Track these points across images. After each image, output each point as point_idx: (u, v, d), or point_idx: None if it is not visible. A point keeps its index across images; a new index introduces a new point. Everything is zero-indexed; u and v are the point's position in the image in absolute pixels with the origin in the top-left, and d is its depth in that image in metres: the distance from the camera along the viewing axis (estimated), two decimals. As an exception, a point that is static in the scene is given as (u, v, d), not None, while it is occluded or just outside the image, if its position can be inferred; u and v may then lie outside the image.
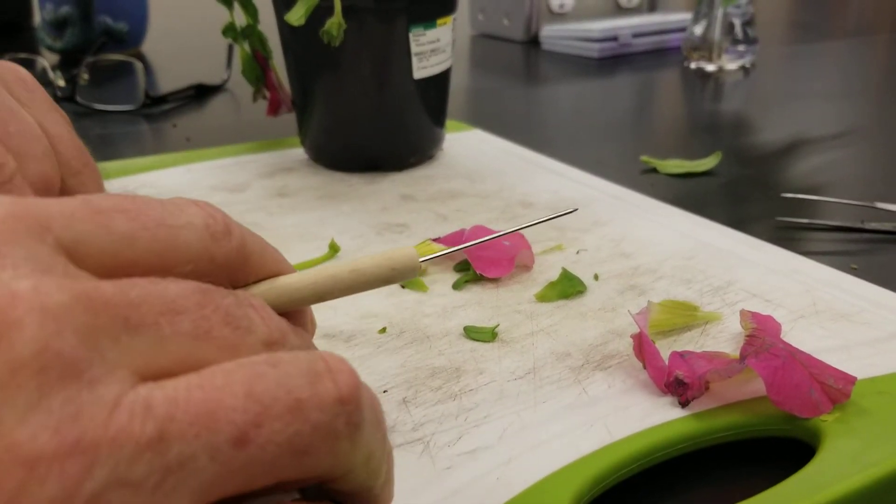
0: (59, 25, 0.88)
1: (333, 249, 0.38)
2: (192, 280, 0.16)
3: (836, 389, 0.26)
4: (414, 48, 0.47)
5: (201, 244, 0.17)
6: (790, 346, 0.27)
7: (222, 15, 0.52)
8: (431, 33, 0.48)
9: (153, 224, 0.16)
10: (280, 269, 0.19)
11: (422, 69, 0.48)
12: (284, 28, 0.48)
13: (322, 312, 0.33)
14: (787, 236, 0.42)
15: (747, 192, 0.50)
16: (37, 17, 0.96)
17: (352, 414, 0.15)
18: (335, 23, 0.43)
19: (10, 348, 0.13)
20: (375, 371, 0.29)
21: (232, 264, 0.18)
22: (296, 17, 0.42)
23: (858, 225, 0.43)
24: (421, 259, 0.20)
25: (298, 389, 0.15)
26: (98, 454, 0.13)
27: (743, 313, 0.31)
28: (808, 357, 0.27)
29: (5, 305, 0.13)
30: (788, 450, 0.25)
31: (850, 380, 0.26)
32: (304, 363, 0.15)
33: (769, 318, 0.30)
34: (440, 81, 0.51)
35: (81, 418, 0.13)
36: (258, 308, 0.17)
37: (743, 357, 0.27)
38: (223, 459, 0.14)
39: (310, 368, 0.15)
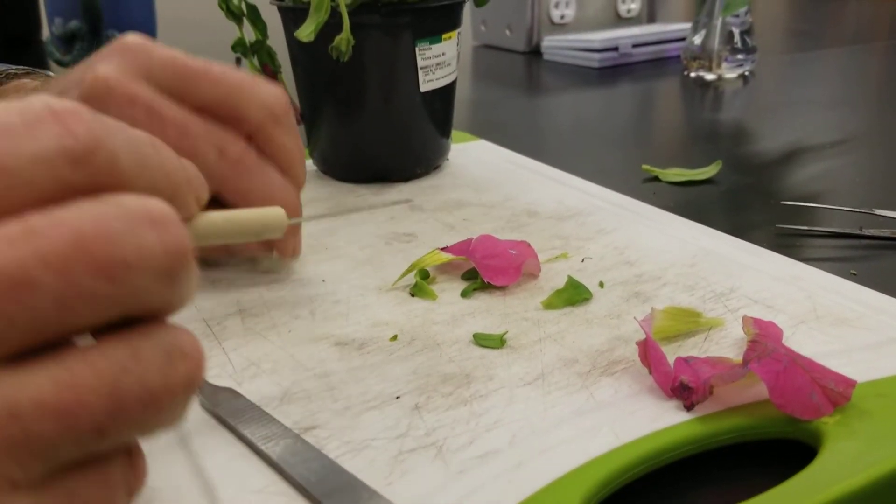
0: (67, 40, 0.89)
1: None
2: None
3: (836, 392, 0.26)
4: (420, 62, 0.48)
5: (53, 177, 0.15)
6: (792, 350, 0.28)
7: (231, 30, 0.53)
8: (437, 47, 0.49)
9: None
10: (162, 184, 0.17)
11: (428, 82, 0.49)
12: (293, 43, 0.49)
13: (334, 321, 0.34)
14: (787, 243, 0.43)
15: (748, 199, 0.51)
16: (46, 32, 0.97)
17: (196, 387, 0.16)
18: (344, 39, 0.44)
19: None
20: (388, 377, 0.29)
21: (99, 186, 0.15)
22: (305, 33, 0.43)
23: (857, 231, 0.44)
24: (289, 222, 0.20)
25: (155, 381, 0.15)
26: None
27: (745, 319, 0.31)
28: (810, 361, 0.27)
29: None
30: (791, 451, 0.26)
31: (851, 383, 0.27)
32: (162, 347, 0.16)
33: (771, 324, 0.31)
34: (446, 94, 0.52)
35: None
36: (160, 223, 0.15)
37: (746, 362, 0.27)
38: (80, 446, 0.15)
39: (167, 351, 0.16)
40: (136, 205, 0.15)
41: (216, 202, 0.32)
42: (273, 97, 0.33)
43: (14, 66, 0.43)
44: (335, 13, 0.44)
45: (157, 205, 0.15)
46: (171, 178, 0.17)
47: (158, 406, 0.15)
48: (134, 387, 0.15)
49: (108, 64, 0.30)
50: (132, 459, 0.17)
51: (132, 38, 0.31)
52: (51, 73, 0.43)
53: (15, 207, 0.14)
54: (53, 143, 0.15)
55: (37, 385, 0.14)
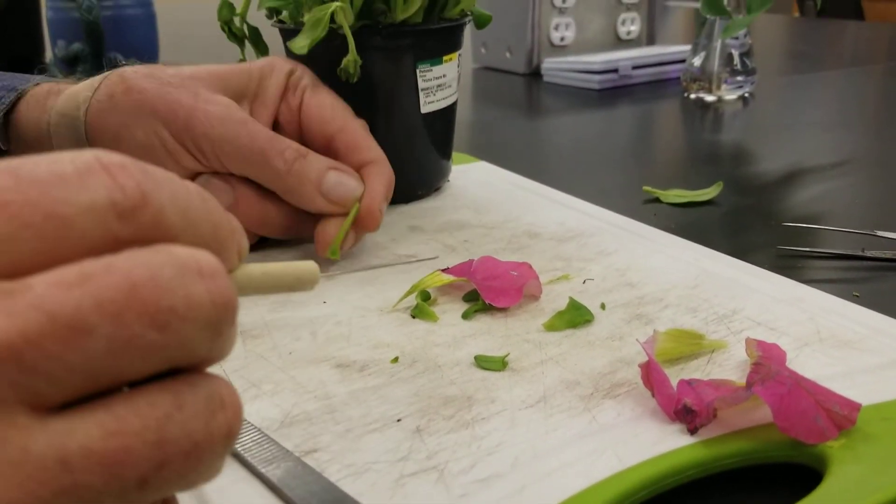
0: (70, 62, 0.90)
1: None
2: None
3: (841, 416, 0.26)
4: (421, 84, 0.49)
5: (103, 228, 0.15)
6: (795, 373, 0.28)
7: (232, 51, 0.53)
8: (438, 69, 0.49)
9: (40, 218, 0.14)
10: (209, 237, 0.17)
11: (428, 104, 0.49)
12: (295, 65, 0.49)
13: (335, 342, 0.34)
14: (788, 265, 0.43)
15: (749, 221, 0.51)
16: (49, 54, 0.98)
17: (234, 439, 0.17)
18: (351, 60, 0.44)
19: None
20: (389, 400, 0.29)
21: (147, 239, 0.15)
22: (299, 45, 0.43)
23: (859, 253, 0.44)
24: (320, 276, 0.21)
25: (198, 432, 0.15)
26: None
27: (748, 341, 0.31)
28: (814, 384, 0.27)
29: None
30: (796, 475, 0.26)
31: (856, 406, 0.27)
32: (204, 399, 0.16)
33: (774, 346, 0.31)
34: (446, 115, 0.52)
35: (27, 466, 0.13)
36: (208, 276, 0.15)
37: (749, 385, 0.27)
38: (123, 498, 0.15)
39: (208, 405, 0.16)
40: (186, 255, 0.15)
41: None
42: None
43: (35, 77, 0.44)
44: (337, 35, 0.44)
45: (205, 257, 0.16)
46: (217, 231, 0.17)
47: (200, 457, 0.16)
48: (178, 435, 0.15)
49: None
50: None
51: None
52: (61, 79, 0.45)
53: (67, 256, 0.14)
54: (104, 196, 0.15)
55: (86, 432, 0.14)
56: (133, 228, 0.15)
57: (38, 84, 0.42)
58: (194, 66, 0.42)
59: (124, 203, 0.15)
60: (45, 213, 0.14)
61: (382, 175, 0.42)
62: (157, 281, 0.15)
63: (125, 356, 0.14)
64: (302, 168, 0.40)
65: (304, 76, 0.44)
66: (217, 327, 0.16)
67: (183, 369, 0.16)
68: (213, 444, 0.16)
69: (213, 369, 0.17)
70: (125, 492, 0.15)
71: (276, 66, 0.44)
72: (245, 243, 0.19)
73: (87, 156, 0.15)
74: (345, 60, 0.44)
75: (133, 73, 0.40)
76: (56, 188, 0.14)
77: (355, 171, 0.42)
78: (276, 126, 0.44)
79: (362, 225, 0.41)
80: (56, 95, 0.41)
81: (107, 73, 0.41)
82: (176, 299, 0.15)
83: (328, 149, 0.43)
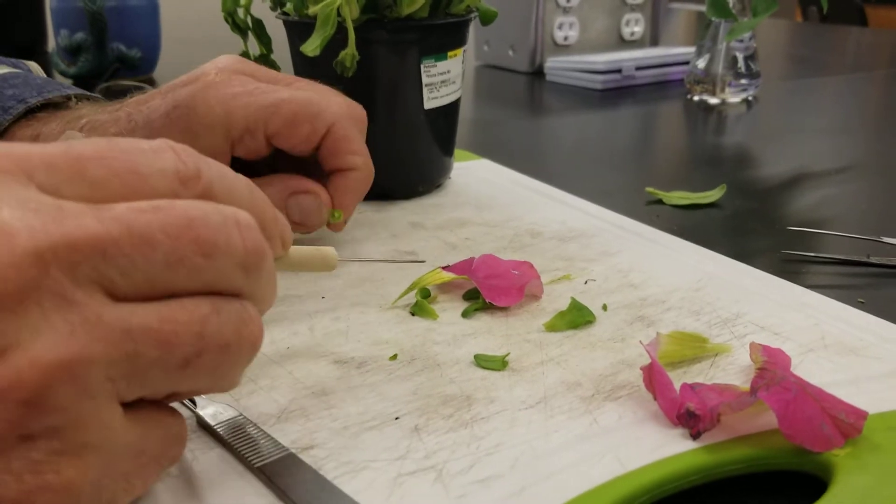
0: (73, 52, 0.89)
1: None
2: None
3: (847, 424, 0.26)
4: (425, 79, 0.48)
5: (169, 188, 0.20)
6: (801, 379, 0.28)
7: (235, 43, 0.53)
8: (442, 65, 0.49)
9: (124, 171, 0.20)
10: (248, 210, 0.22)
11: (432, 99, 0.49)
12: (298, 58, 0.49)
13: (334, 338, 0.33)
14: (792, 269, 0.43)
15: (752, 224, 0.50)
16: (52, 44, 0.97)
17: (258, 351, 0.22)
18: (349, 54, 0.43)
19: (6, 283, 0.17)
20: (388, 397, 0.29)
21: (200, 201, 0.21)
22: (311, 48, 0.42)
23: (864, 259, 0.43)
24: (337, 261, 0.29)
25: (229, 335, 0.20)
26: (95, 363, 0.18)
27: (753, 346, 0.31)
28: (819, 391, 0.27)
29: (3, 243, 0.17)
30: (800, 484, 0.26)
31: (862, 415, 0.26)
32: (236, 313, 0.21)
33: (779, 352, 0.30)
34: (450, 112, 0.51)
35: (77, 333, 0.18)
36: (244, 227, 0.21)
37: (754, 390, 0.27)
38: (169, 373, 0.19)
39: (239, 318, 0.21)
40: (230, 211, 0.21)
41: None
42: (348, 103, 0.40)
43: (69, 88, 0.43)
44: (341, 28, 0.44)
45: (244, 214, 0.21)
46: (256, 209, 0.22)
47: (230, 355, 0.20)
48: (215, 332, 0.20)
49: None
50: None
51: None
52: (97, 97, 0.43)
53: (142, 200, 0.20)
54: (171, 165, 0.20)
55: (145, 315, 0.19)
56: (190, 191, 0.21)
57: (46, 100, 0.41)
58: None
59: (185, 172, 0.21)
60: (129, 168, 0.20)
61: (360, 186, 0.40)
62: (206, 221, 0.20)
63: (177, 270, 0.19)
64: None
65: (248, 110, 0.37)
66: (247, 266, 0.21)
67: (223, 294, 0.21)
68: (241, 347, 0.21)
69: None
70: (170, 368, 0.19)
71: (205, 128, 0.36)
72: (288, 234, 0.25)
73: (160, 140, 0.21)
74: (342, 53, 0.43)
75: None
76: (139, 155, 0.20)
77: (311, 183, 0.39)
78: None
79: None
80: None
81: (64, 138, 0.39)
82: (219, 237, 0.20)
83: (316, 147, 0.40)
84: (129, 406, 0.20)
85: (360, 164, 0.40)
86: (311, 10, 0.44)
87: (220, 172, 0.22)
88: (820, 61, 1.23)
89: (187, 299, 0.20)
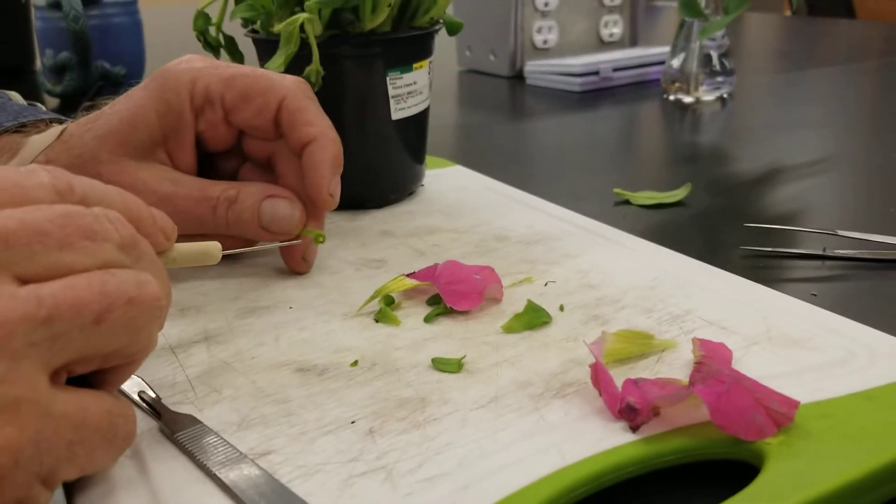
0: (58, 71, 0.90)
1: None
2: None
3: (780, 413, 0.27)
4: (391, 91, 0.50)
5: (48, 198, 0.24)
6: (737, 372, 0.29)
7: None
8: (408, 76, 0.50)
9: (10, 184, 0.24)
10: (124, 213, 0.26)
11: (399, 111, 0.50)
12: (267, 74, 0.50)
13: (298, 347, 0.34)
14: (751, 265, 0.44)
15: (716, 222, 0.52)
16: (38, 63, 0.99)
17: (163, 308, 0.25)
18: (314, 70, 0.45)
19: None
20: (345, 403, 0.30)
21: None
22: (275, 65, 0.44)
23: (820, 252, 0.44)
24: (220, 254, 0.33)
25: (131, 290, 0.24)
26: (14, 328, 0.21)
27: (694, 341, 0.32)
28: (754, 382, 0.28)
29: None
30: (737, 472, 0.27)
31: (794, 404, 0.27)
32: (133, 275, 0.24)
33: (720, 346, 0.32)
34: (418, 121, 0.53)
35: (16, 300, 0.21)
36: (114, 220, 0.25)
37: (691, 383, 0.28)
38: (87, 332, 0.23)
39: (136, 278, 0.24)
40: (98, 209, 0.25)
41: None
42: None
43: (45, 113, 0.46)
44: (306, 45, 0.45)
45: (111, 212, 0.25)
46: (128, 208, 0.27)
47: (137, 308, 0.24)
48: (115, 289, 0.23)
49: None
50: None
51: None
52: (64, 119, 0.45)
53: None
54: (48, 179, 0.25)
55: (51, 287, 0.22)
56: (67, 200, 0.24)
57: (22, 124, 0.43)
58: (104, 121, 0.40)
59: (60, 185, 0.25)
60: (13, 182, 0.24)
61: (325, 154, 0.40)
62: (82, 214, 0.24)
63: (70, 252, 0.23)
64: (236, 215, 0.40)
65: (209, 80, 0.40)
66: (125, 248, 0.25)
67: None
68: (146, 300, 0.24)
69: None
70: (85, 326, 0.22)
71: (173, 92, 0.40)
72: (170, 228, 0.29)
73: (33, 165, 0.25)
74: (307, 69, 0.44)
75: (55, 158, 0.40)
76: (19, 174, 0.24)
77: (289, 192, 0.41)
78: (203, 144, 0.42)
79: (315, 215, 0.42)
80: (10, 153, 0.41)
81: (45, 149, 0.41)
82: (96, 225, 0.24)
83: (277, 128, 0.41)
84: (62, 383, 0.23)
85: (317, 133, 0.40)
86: (276, 27, 0.45)
87: (91, 184, 0.26)
88: (804, 55, 1.24)
89: (84, 272, 0.23)
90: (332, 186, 0.41)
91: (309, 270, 0.42)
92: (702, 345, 0.31)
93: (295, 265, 0.42)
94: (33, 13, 0.97)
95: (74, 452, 0.23)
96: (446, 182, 0.57)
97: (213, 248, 0.32)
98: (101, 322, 0.23)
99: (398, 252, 0.45)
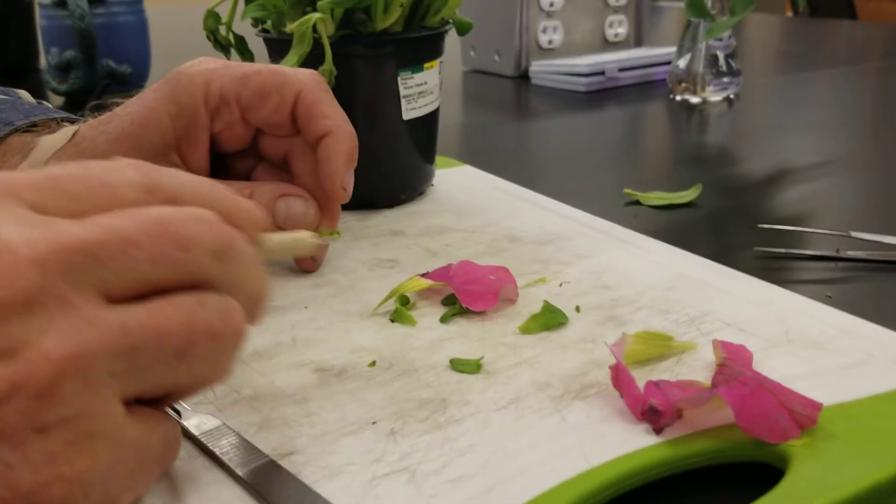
0: (63, 69, 0.90)
1: None
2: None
3: (803, 415, 0.27)
4: (402, 91, 0.49)
5: (137, 197, 0.22)
6: (759, 374, 0.29)
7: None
8: (419, 76, 0.50)
9: (97, 184, 0.22)
10: (213, 207, 0.24)
11: (410, 110, 0.50)
12: (278, 73, 0.50)
13: (315, 347, 0.34)
14: (765, 266, 0.44)
15: (728, 223, 0.52)
16: (43, 61, 0.98)
17: (245, 338, 0.24)
18: (327, 70, 0.45)
19: (14, 290, 0.19)
20: (365, 403, 0.30)
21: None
22: (289, 64, 0.44)
23: (834, 254, 0.44)
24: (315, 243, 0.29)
25: (217, 324, 0.22)
26: (97, 357, 0.20)
27: (715, 343, 0.32)
28: (777, 385, 0.28)
29: (7, 255, 0.19)
30: (761, 474, 0.27)
31: (817, 406, 0.27)
32: (220, 304, 0.22)
33: (741, 348, 0.31)
34: (429, 121, 0.53)
35: (80, 332, 0.20)
36: (208, 222, 0.23)
37: (714, 385, 0.28)
38: (167, 365, 0.21)
39: (223, 308, 0.23)
40: (192, 209, 0.23)
41: None
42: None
43: (55, 112, 0.45)
44: (318, 44, 0.45)
45: (205, 211, 0.23)
46: (220, 203, 0.25)
47: (220, 343, 0.22)
48: (202, 323, 0.22)
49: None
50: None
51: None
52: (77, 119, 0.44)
53: (116, 210, 0.22)
54: (135, 178, 0.23)
55: (138, 311, 0.21)
56: (156, 199, 0.23)
57: (33, 123, 0.43)
58: (116, 124, 0.40)
59: (149, 183, 0.23)
60: (99, 182, 0.22)
61: (340, 147, 0.40)
62: (176, 220, 0.22)
63: (161, 266, 0.21)
64: None
65: (223, 80, 0.40)
66: (220, 254, 0.23)
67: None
68: (230, 335, 0.23)
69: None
70: (167, 359, 0.21)
71: (187, 94, 0.39)
72: (260, 220, 0.27)
73: (122, 160, 0.24)
74: (320, 69, 0.44)
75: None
76: (106, 172, 0.23)
77: (303, 190, 0.41)
78: (218, 146, 0.42)
79: (330, 212, 0.42)
80: (21, 154, 0.41)
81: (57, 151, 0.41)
82: (190, 232, 0.22)
83: (294, 124, 0.41)
84: (130, 406, 0.22)
85: (333, 126, 0.40)
86: (289, 27, 0.45)
87: (179, 180, 0.24)
88: (807, 56, 1.24)
89: (174, 295, 0.22)
90: (345, 180, 0.41)
91: (317, 269, 0.42)
92: (723, 347, 0.31)
93: (304, 264, 0.42)
94: (38, 11, 0.97)
95: (135, 480, 0.22)
96: (455, 182, 0.57)
97: (306, 235, 0.30)
98: (183, 357, 0.22)
99: (410, 252, 0.45)
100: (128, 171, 0.23)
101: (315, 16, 0.44)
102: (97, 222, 0.21)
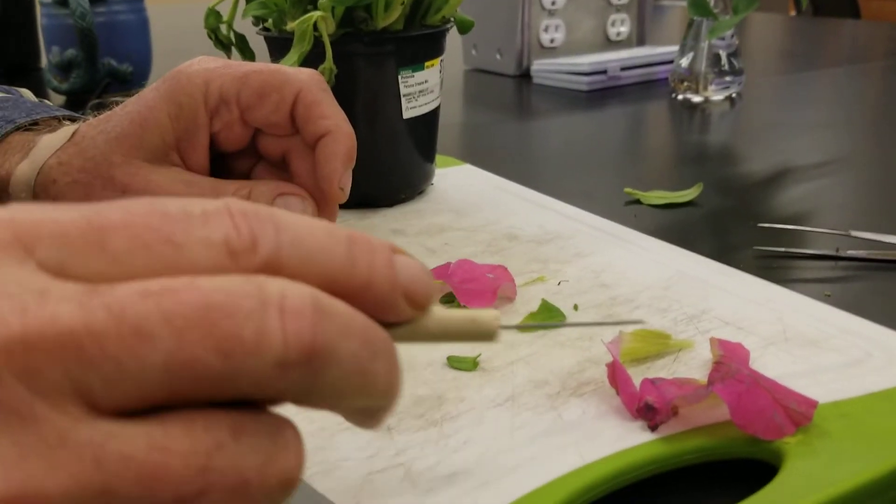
0: (65, 68, 0.91)
1: None
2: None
3: (798, 413, 0.27)
4: (403, 90, 0.50)
5: (213, 262, 0.16)
6: (755, 372, 0.29)
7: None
8: (419, 75, 0.50)
9: (157, 241, 0.15)
10: (341, 281, 0.17)
11: (411, 109, 0.50)
12: (279, 71, 0.50)
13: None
14: (765, 265, 0.44)
15: (728, 222, 0.52)
16: (44, 60, 0.99)
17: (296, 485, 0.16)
18: (327, 68, 0.45)
19: None
20: (362, 400, 0.30)
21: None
22: (289, 63, 0.44)
23: (833, 253, 0.44)
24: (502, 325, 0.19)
25: (249, 471, 0.15)
26: (43, 501, 0.13)
27: (712, 341, 0.32)
28: (773, 382, 0.28)
29: None
30: (756, 471, 0.27)
31: (812, 404, 0.27)
32: (264, 441, 0.15)
33: (738, 346, 0.32)
34: (429, 120, 0.53)
35: (28, 461, 0.14)
36: (287, 310, 0.15)
37: (710, 383, 0.28)
38: None
39: (268, 447, 0.15)
40: (276, 290, 0.15)
41: None
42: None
43: (57, 110, 0.45)
44: (319, 43, 0.45)
45: (298, 294, 0.15)
46: (349, 269, 0.17)
47: (247, 497, 0.15)
48: (226, 466, 0.15)
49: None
50: None
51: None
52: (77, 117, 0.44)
53: (178, 275, 0.15)
54: (220, 233, 0.16)
55: (130, 439, 0.14)
56: (242, 266, 0.16)
57: (34, 121, 0.43)
58: (116, 123, 0.39)
59: (237, 243, 0.16)
60: (163, 237, 0.16)
61: (338, 146, 0.39)
62: (231, 307, 0.15)
63: (183, 375, 0.14)
64: None
65: (223, 80, 0.39)
66: (288, 366, 0.15)
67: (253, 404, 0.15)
68: (266, 487, 0.15)
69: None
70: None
71: (186, 94, 0.38)
72: (420, 287, 0.19)
73: (222, 201, 0.17)
74: (320, 67, 0.44)
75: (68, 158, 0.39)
76: (181, 221, 0.16)
77: (301, 189, 0.40)
78: (217, 145, 0.41)
79: (328, 211, 0.41)
80: (22, 152, 0.41)
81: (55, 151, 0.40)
82: (246, 330, 0.15)
83: (293, 123, 0.40)
84: None
85: (332, 126, 0.40)
86: (289, 25, 0.45)
87: (293, 237, 0.17)
88: (809, 55, 1.24)
89: (197, 416, 0.15)
90: (343, 180, 0.41)
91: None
92: (720, 344, 0.31)
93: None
94: (39, 10, 0.97)
95: None
96: (455, 181, 0.57)
97: (488, 318, 0.19)
98: None
99: (409, 250, 0.44)
100: (215, 220, 0.16)
101: (316, 14, 0.44)
102: (109, 298, 0.14)
